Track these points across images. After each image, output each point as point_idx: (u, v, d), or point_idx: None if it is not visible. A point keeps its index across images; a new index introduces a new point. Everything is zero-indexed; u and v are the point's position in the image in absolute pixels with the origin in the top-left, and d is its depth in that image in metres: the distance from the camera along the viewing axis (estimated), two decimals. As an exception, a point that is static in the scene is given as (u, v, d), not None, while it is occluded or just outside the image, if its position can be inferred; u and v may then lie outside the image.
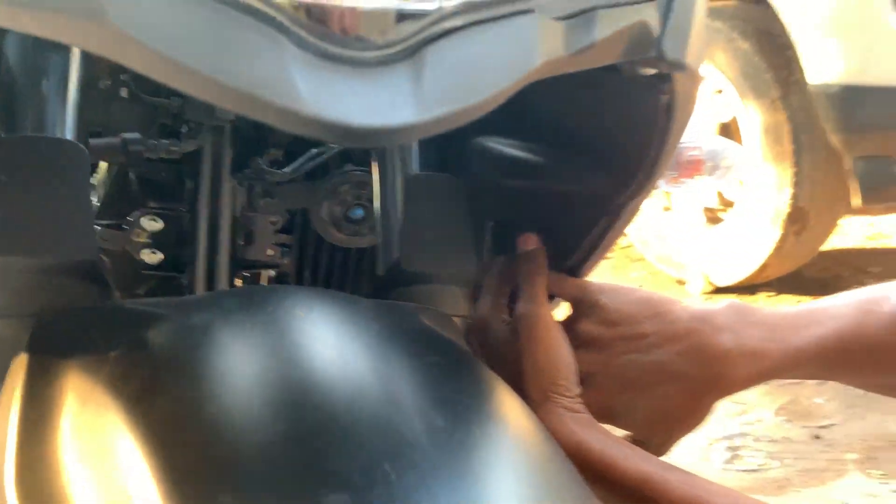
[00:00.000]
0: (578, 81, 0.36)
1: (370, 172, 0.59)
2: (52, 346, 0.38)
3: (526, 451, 0.34)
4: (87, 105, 0.52)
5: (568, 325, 0.55)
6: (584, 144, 0.50)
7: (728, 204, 2.32)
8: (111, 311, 0.42)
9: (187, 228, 0.57)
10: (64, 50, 0.49)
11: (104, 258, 0.54)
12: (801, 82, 1.98)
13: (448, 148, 0.59)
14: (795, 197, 2.07)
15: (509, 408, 0.39)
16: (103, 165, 0.61)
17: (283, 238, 0.63)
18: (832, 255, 2.50)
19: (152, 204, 0.58)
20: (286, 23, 0.23)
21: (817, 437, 1.58)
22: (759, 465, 1.52)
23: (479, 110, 0.26)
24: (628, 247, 2.83)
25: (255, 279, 0.67)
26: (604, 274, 2.65)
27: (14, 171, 0.39)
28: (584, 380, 0.52)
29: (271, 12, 0.23)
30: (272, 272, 0.67)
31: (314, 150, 0.59)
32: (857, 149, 1.96)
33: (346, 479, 0.28)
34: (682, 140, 0.53)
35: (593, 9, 0.29)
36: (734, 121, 2.21)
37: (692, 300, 2.19)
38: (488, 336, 0.55)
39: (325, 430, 0.30)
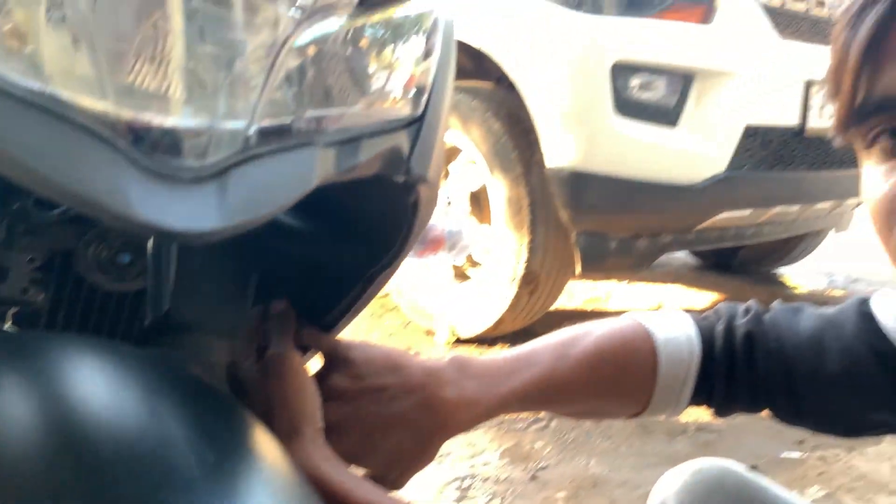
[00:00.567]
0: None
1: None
2: None
3: (277, 481, 0.40)
4: None
5: (321, 377, 0.62)
6: (349, 223, 0.59)
7: (476, 263, 2.50)
8: None
9: None
10: None
11: None
12: (540, 163, 2.16)
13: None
14: (530, 262, 2.25)
15: (263, 443, 0.44)
16: None
17: (40, 277, 0.61)
18: (559, 314, 2.79)
19: None
20: (119, 142, 0.29)
21: (534, 478, 1.74)
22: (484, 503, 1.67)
23: (268, 218, 0.33)
24: (385, 296, 2.96)
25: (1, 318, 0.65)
26: (361, 320, 2.75)
27: None
28: (333, 428, 0.58)
29: (106, 133, 0.29)
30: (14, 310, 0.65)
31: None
32: (581, 225, 2.17)
33: None
34: (429, 224, 0.64)
35: (359, 137, 0.38)
36: (484, 189, 2.38)
37: (427, 356, 2.35)
38: (246, 380, 0.60)
39: (106, 470, 0.33)
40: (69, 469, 0.33)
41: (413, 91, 0.50)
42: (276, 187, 0.34)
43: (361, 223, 0.58)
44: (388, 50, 0.50)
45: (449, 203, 2.53)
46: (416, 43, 0.51)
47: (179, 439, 0.38)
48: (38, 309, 0.66)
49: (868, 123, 0.48)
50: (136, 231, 0.30)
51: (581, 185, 2.11)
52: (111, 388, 0.40)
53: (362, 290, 0.60)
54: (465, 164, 2.45)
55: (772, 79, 2.18)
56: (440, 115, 0.49)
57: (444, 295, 2.52)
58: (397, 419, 0.62)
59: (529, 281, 2.29)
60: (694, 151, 2.11)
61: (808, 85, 2.27)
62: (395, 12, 0.50)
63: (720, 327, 0.74)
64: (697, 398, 0.74)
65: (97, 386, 0.39)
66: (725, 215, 2.24)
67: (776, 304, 0.77)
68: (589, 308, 3.02)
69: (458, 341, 2.49)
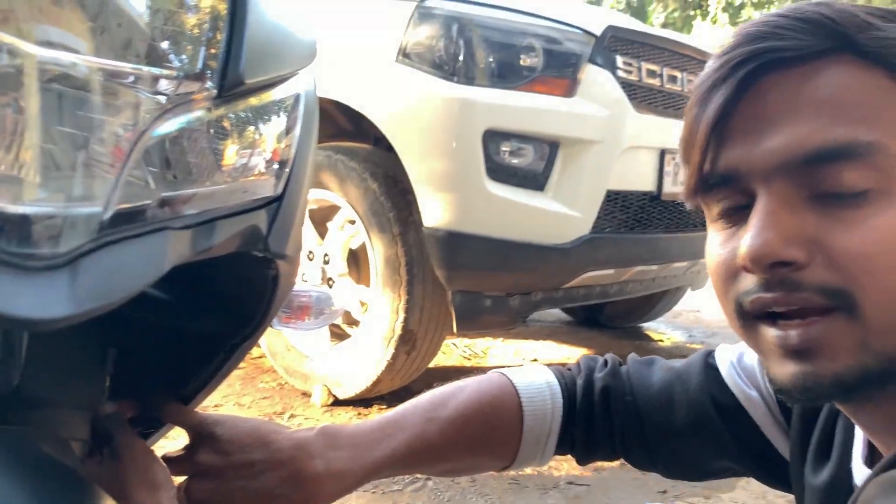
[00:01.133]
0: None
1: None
2: None
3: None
4: None
5: (187, 454, 0.62)
6: (211, 294, 0.59)
7: (354, 322, 2.50)
8: None
9: None
10: None
11: None
12: (417, 223, 2.20)
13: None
14: (407, 321, 2.27)
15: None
16: None
17: None
18: (436, 372, 2.82)
19: None
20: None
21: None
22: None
23: (119, 303, 0.34)
24: (259, 357, 2.89)
25: None
26: (235, 384, 2.66)
27: None
28: None
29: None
30: None
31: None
32: (456, 284, 2.22)
33: None
34: (296, 289, 0.66)
35: (215, 219, 0.40)
36: (363, 248, 2.39)
37: (299, 423, 2.31)
38: (101, 463, 0.59)
39: None
40: None
41: (276, 165, 0.52)
42: (128, 273, 0.35)
43: (223, 295, 0.59)
44: (250, 130, 0.52)
45: (327, 262, 2.53)
46: (279, 121, 0.54)
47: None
48: None
49: (712, 194, 0.53)
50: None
51: (456, 245, 2.17)
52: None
53: (223, 361, 0.61)
54: (344, 223, 2.47)
55: (629, 147, 2.34)
56: (300, 191, 0.51)
57: (321, 356, 2.49)
58: (264, 494, 0.62)
59: (407, 340, 2.31)
60: (561, 214, 2.23)
61: (663, 153, 2.46)
62: (262, 98, 0.52)
63: (580, 381, 0.79)
64: (561, 448, 0.79)
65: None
66: (591, 274, 2.36)
67: (631, 357, 0.84)
68: (468, 365, 3.07)
69: (335, 402, 2.46)
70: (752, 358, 0.74)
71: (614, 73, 2.35)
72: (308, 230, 2.55)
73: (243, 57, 0.41)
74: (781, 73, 0.49)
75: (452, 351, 3.19)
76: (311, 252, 2.56)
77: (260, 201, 0.46)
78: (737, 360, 0.75)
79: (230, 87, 0.41)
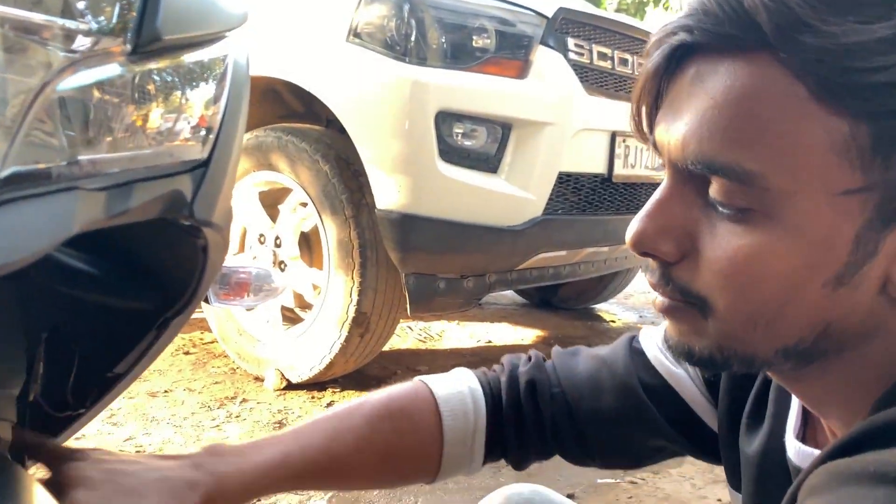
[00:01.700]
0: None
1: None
2: None
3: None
4: None
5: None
6: (140, 267, 0.58)
7: (307, 306, 2.48)
8: None
9: None
10: None
11: None
12: (370, 205, 2.19)
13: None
14: (360, 303, 2.26)
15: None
16: None
17: None
18: (390, 355, 2.81)
19: None
20: None
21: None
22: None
23: (19, 265, 0.32)
24: (211, 342, 2.84)
25: None
26: (185, 370, 2.62)
27: None
28: None
29: None
30: None
31: None
32: (410, 266, 2.21)
33: None
34: (234, 266, 0.64)
35: (132, 181, 0.38)
36: (315, 231, 2.37)
37: (252, 403, 2.24)
38: None
39: None
40: None
41: (203, 132, 0.50)
42: (28, 233, 0.33)
43: (153, 268, 0.57)
44: (176, 94, 0.50)
45: (278, 245, 2.49)
46: (206, 87, 0.52)
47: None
48: None
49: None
50: None
51: (409, 227, 2.16)
52: None
53: (156, 337, 0.59)
54: (296, 206, 2.43)
55: (581, 129, 2.36)
56: (228, 159, 0.50)
57: (273, 340, 2.47)
58: (154, 482, 0.57)
59: (360, 323, 2.30)
60: (513, 196, 2.23)
61: (614, 136, 2.48)
62: (186, 58, 0.50)
63: (504, 378, 0.78)
64: (493, 453, 0.76)
65: None
66: (543, 256, 2.37)
67: (555, 350, 0.83)
68: (423, 348, 3.07)
69: (288, 386, 2.44)
70: None
71: (566, 56, 2.36)
72: (259, 213, 2.51)
73: (161, 12, 0.39)
74: (705, 56, 0.45)
75: (408, 334, 3.18)
76: (262, 235, 2.52)
77: (184, 166, 0.45)
78: (661, 341, 0.75)
79: (146, 42, 0.39)
